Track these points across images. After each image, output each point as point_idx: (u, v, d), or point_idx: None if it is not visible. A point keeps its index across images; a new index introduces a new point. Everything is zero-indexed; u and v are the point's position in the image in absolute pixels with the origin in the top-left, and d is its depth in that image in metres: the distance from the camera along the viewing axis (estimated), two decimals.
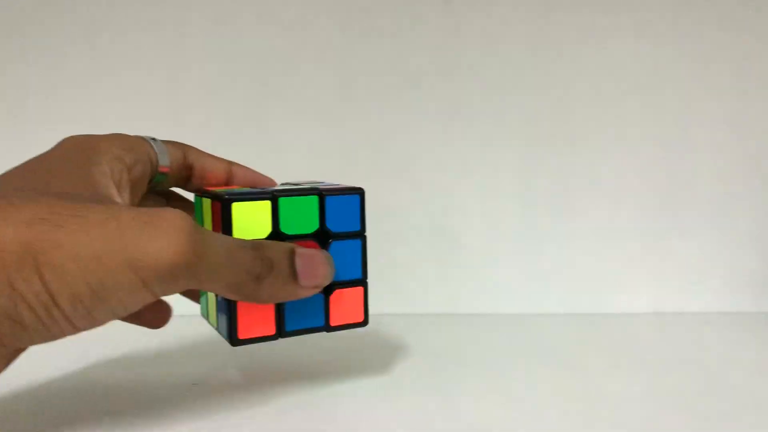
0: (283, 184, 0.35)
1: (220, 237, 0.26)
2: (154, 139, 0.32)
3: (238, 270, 0.26)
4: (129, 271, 0.23)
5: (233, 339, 0.29)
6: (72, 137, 0.30)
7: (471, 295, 0.52)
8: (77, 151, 0.28)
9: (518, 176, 0.52)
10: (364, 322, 0.33)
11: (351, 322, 0.32)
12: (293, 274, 0.28)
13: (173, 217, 0.24)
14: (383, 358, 0.39)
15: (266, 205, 0.30)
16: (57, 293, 0.22)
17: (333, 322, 0.32)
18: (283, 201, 0.30)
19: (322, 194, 0.31)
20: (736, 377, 0.35)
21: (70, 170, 0.27)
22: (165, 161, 0.32)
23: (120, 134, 0.31)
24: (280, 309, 0.30)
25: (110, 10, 0.51)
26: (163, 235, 0.23)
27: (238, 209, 0.29)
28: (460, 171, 0.52)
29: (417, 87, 0.52)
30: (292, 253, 0.28)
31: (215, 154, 0.34)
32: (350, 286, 0.32)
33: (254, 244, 0.27)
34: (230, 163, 0.34)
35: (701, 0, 0.51)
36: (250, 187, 0.33)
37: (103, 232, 0.23)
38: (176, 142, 0.33)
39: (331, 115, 0.52)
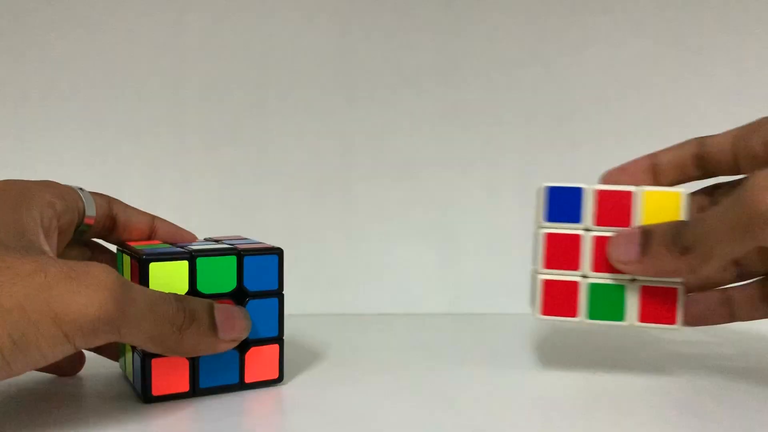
0: (205, 239, 0.36)
1: (144, 291, 0.27)
2: (81, 189, 0.32)
3: (161, 322, 0.27)
4: (53, 324, 0.23)
5: (147, 396, 0.30)
6: (5, 181, 0.30)
7: (471, 295, 0.52)
8: (9, 195, 0.29)
9: (518, 176, 0.52)
10: (279, 379, 0.33)
11: (266, 378, 0.33)
12: (213, 327, 0.29)
13: (98, 272, 0.25)
14: (383, 358, 0.39)
15: (183, 265, 0.30)
16: None
17: (248, 379, 0.32)
18: (200, 261, 0.30)
19: (241, 254, 0.31)
20: (744, 379, 0.35)
21: (1, 214, 0.27)
22: (91, 212, 0.32)
23: (52, 182, 0.31)
24: (194, 366, 0.31)
25: (111, 10, 0.51)
26: (88, 290, 0.24)
27: (156, 269, 0.29)
28: (460, 171, 0.52)
29: (417, 87, 0.52)
30: (211, 307, 0.29)
31: (140, 208, 0.35)
32: (266, 344, 0.32)
33: (177, 297, 0.28)
34: (153, 217, 0.35)
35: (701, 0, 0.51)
36: (171, 243, 0.34)
37: (30, 284, 0.23)
38: (102, 195, 0.34)
39: (331, 115, 0.52)
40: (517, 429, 0.28)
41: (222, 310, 0.30)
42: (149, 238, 0.35)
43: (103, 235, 0.34)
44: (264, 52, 0.52)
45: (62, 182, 0.32)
